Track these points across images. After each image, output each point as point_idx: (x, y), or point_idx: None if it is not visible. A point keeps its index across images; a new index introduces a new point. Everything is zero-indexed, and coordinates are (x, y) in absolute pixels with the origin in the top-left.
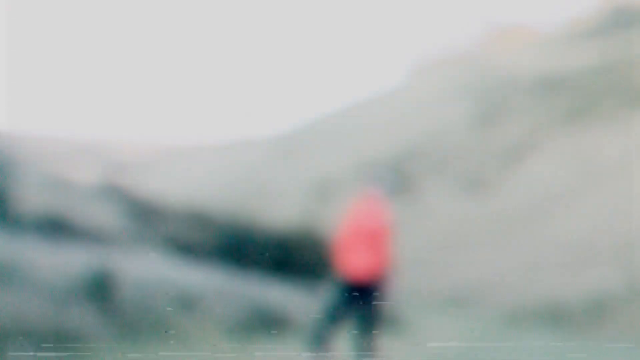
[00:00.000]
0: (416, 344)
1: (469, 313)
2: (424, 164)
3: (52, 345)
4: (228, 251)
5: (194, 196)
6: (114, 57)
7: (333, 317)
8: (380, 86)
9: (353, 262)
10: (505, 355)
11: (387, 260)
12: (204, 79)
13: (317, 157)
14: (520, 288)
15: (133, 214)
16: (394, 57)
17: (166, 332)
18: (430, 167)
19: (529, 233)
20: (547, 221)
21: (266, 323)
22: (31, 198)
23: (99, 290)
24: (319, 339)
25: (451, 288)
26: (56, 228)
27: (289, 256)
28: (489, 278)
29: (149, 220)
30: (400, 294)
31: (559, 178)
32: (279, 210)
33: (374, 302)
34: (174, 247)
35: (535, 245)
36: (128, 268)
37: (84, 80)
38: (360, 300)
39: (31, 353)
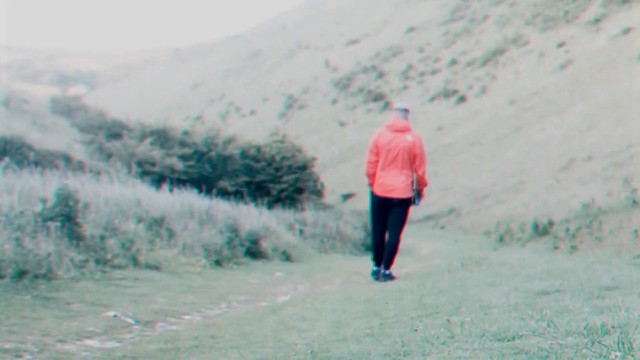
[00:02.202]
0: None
1: (456, 224)
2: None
3: (15, 272)
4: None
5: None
6: None
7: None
8: None
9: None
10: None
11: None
12: None
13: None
14: (506, 198)
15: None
16: None
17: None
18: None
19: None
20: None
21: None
22: None
23: (63, 213)
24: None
25: (435, 200)
26: (14, 149)
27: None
28: (474, 187)
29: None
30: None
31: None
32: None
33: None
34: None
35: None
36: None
37: None
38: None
39: None
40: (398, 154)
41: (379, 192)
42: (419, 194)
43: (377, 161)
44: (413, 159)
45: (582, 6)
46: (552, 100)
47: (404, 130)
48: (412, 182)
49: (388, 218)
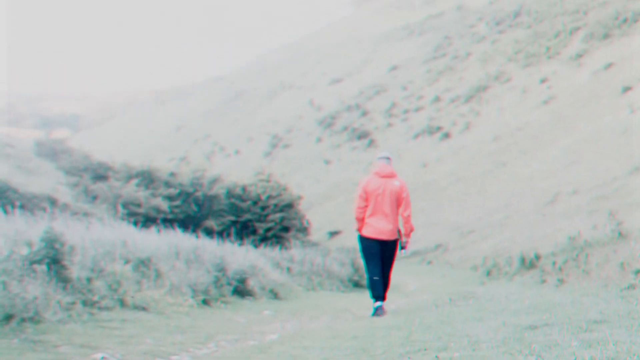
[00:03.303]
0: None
1: (443, 259)
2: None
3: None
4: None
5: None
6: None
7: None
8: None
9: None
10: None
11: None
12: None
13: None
14: (493, 233)
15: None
16: None
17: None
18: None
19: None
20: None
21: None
22: None
23: (50, 255)
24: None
25: (425, 237)
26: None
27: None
28: (462, 222)
29: (93, 178)
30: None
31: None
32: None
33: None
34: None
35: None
36: (77, 232)
37: (20, 36)
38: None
39: None
40: (386, 198)
41: (369, 234)
42: (405, 241)
43: (366, 206)
44: (399, 203)
45: (564, 42)
46: (536, 136)
47: (391, 176)
48: (397, 226)
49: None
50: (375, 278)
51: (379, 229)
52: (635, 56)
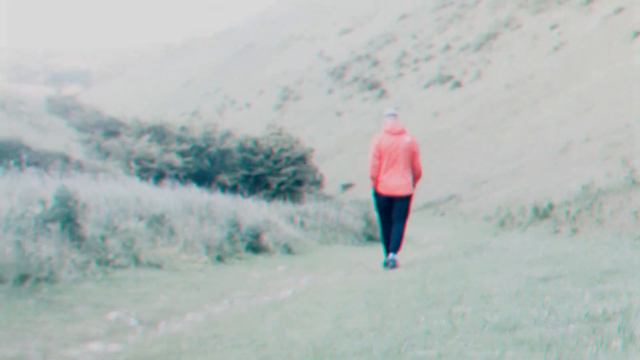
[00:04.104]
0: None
1: (456, 210)
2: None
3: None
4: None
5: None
6: None
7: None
8: None
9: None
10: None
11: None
12: None
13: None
14: (506, 183)
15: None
16: None
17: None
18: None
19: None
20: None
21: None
22: None
23: (63, 214)
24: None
25: (435, 186)
26: (12, 150)
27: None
28: (474, 172)
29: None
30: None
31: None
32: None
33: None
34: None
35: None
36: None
37: None
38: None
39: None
40: (399, 154)
41: (384, 191)
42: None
43: (380, 164)
44: (412, 157)
45: None
46: (547, 83)
47: (402, 132)
48: (411, 181)
49: (393, 212)
50: (387, 236)
51: (394, 185)
52: None
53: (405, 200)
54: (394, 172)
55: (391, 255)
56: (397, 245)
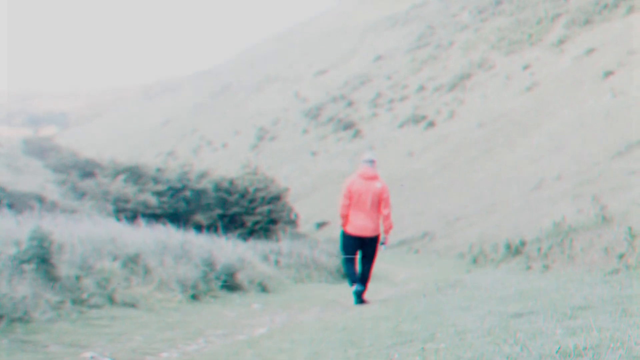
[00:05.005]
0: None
1: (430, 248)
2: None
3: None
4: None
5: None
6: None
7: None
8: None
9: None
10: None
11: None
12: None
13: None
14: (479, 220)
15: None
16: None
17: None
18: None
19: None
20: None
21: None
22: None
23: (38, 254)
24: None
25: (410, 224)
26: None
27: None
28: (447, 211)
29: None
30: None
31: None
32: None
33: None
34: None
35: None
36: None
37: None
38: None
39: None
40: (367, 198)
41: (352, 230)
42: (385, 237)
43: (349, 204)
44: (380, 203)
45: (546, 28)
46: (520, 122)
47: (374, 178)
48: (379, 224)
49: (360, 253)
50: (350, 270)
51: (360, 226)
52: (616, 41)
53: (372, 242)
54: (361, 214)
55: (356, 286)
56: (365, 278)
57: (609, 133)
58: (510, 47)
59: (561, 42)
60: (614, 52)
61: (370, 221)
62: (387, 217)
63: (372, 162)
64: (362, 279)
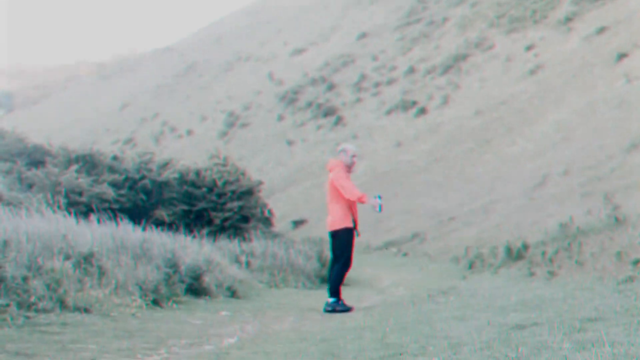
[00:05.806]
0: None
1: (421, 250)
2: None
3: None
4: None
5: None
6: None
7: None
8: None
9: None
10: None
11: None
12: None
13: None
14: (476, 220)
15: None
16: None
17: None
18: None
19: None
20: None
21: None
22: None
23: None
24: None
25: (403, 215)
26: None
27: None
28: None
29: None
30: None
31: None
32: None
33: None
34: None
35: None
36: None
37: None
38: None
39: None
40: (327, 191)
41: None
42: (355, 223)
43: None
44: (334, 193)
45: (551, 4)
46: (522, 110)
47: (332, 169)
48: (338, 217)
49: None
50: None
51: (328, 221)
52: (631, 19)
53: (334, 237)
54: (329, 208)
55: (328, 300)
56: (330, 288)
57: (622, 123)
58: (512, 25)
59: (569, 20)
60: (628, 32)
61: (329, 215)
62: (353, 203)
63: (339, 152)
64: (330, 283)
